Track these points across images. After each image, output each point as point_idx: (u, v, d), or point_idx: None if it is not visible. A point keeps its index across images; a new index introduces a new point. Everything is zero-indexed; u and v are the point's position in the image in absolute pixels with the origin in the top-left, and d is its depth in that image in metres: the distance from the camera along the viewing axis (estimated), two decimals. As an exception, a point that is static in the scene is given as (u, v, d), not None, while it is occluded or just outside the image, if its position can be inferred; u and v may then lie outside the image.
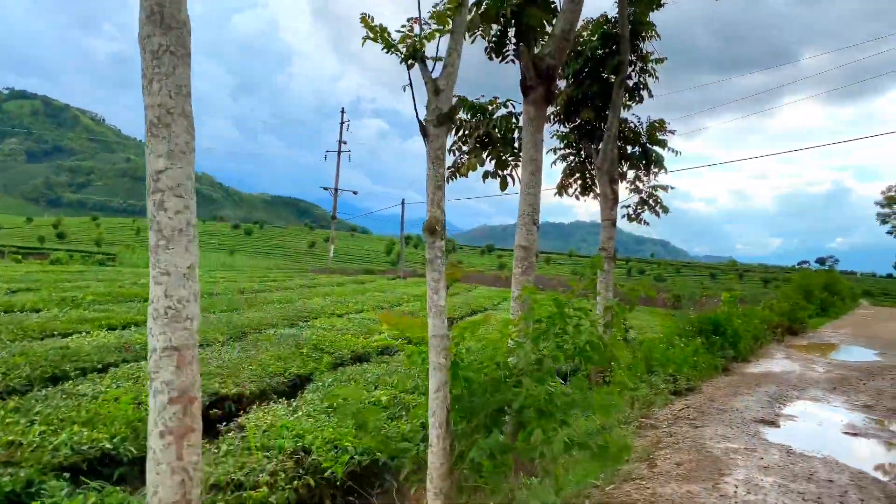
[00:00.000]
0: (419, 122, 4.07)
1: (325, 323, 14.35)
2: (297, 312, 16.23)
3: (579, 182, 11.26)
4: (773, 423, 7.67)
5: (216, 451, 5.61)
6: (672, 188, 10.72)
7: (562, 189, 11.31)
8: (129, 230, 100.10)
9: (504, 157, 6.94)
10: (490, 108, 6.85)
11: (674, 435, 6.81)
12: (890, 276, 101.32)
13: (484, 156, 6.88)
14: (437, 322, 4.17)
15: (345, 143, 57.35)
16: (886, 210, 56.01)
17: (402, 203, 47.15)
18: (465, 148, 7.07)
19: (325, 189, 58.14)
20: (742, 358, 12.05)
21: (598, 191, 10.67)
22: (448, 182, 7.30)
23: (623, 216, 11.04)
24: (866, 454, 6.94)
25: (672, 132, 10.45)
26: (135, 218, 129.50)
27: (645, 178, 10.87)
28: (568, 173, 11.32)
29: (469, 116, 6.92)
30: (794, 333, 17.91)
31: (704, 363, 10.22)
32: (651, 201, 10.78)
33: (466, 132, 6.87)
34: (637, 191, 10.88)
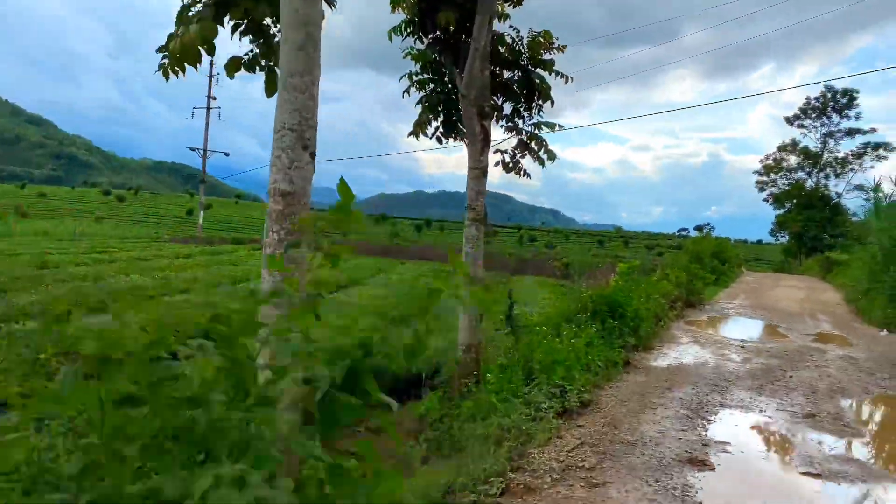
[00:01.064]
0: None
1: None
2: (97, 294, 12.49)
3: (442, 119, 8.32)
4: (703, 463, 5.14)
5: None
6: (560, 127, 7.98)
7: (419, 128, 8.32)
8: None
9: (268, 32, 3.82)
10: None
11: (561, 515, 4.07)
12: (759, 242, 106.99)
13: (228, 23, 3.72)
14: None
15: (214, 98, 51.77)
16: (764, 178, 57.33)
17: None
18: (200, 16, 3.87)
19: (193, 150, 52.49)
20: (644, 345, 9.69)
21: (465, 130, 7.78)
22: (167, 79, 4.10)
23: (497, 164, 8.23)
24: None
25: (561, 49, 7.67)
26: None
27: (526, 114, 8.07)
28: (427, 107, 8.34)
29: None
30: (692, 306, 16.07)
31: (601, 360, 7.68)
32: (533, 144, 8.00)
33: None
34: (516, 130, 8.07)
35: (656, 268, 20.75)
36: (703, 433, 5.96)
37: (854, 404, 7.71)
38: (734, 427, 6.37)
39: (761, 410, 6.98)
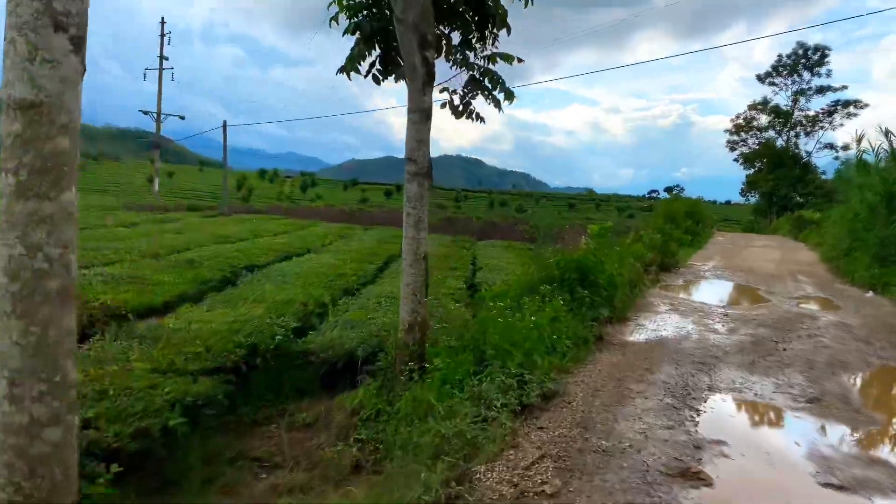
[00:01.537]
0: None
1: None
2: None
3: (379, 52, 6.91)
4: (698, 477, 3.99)
5: None
6: (520, 61, 6.62)
7: (353, 63, 6.87)
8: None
9: None
10: None
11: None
12: (728, 202, 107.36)
13: None
14: None
15: (166, 59, 49.04)
16: (735, 137, 56.60)
17: (224, 125, 40.42)
18: None
19: (146, 113, 49.85)
20: (619, 316, 8.55)
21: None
22: None
23: (443, 106, 6.87)
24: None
25: (519, -37, 6.27)
26: None
27: (478, 45, 6.70)
28: (362, 39, 6.91)
29: None
30: (667, 269, 15.04)
31: (569, 338, 6.49)
32: (486, 80, 6.65)
33: None
34: (466, 65, 6.69)
35: (629, 230, 19.69)
36: (694, 429, 4.82)
37: (858, 382, 6.68)
38: (729, 419, 5.26)
39: (757, 394, 5.88)
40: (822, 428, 5.07)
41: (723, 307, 10.30)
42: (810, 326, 9.03)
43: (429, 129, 6.31)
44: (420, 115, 6.22)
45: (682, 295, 11.59)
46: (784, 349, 7.63)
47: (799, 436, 4.89)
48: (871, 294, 12.75)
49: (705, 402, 5.55)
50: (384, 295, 10.29)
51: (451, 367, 5.56)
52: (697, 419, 5.07)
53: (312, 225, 29.70)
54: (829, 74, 51.15)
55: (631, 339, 7.73)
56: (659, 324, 8.63)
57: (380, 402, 5.83)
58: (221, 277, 12.21)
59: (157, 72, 49.07)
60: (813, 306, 11.01)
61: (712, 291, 12.55)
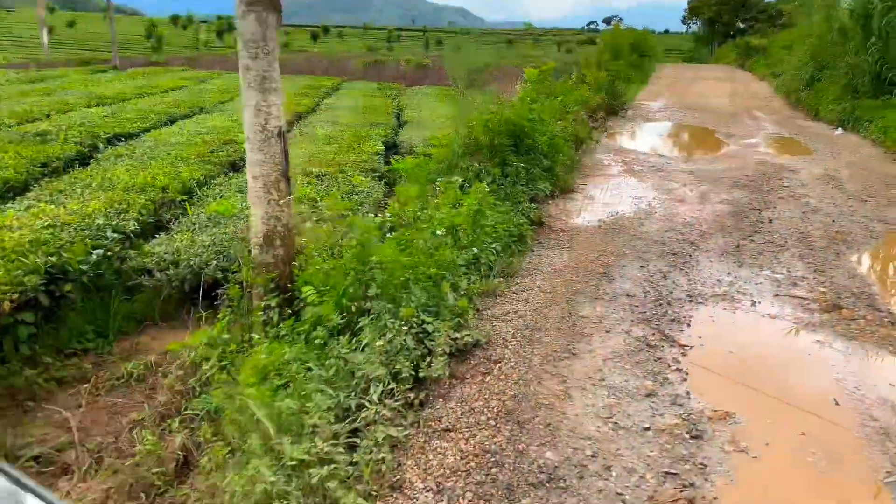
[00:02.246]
0: None
1: None
2: None
3: None
4: (708, 515, 2.34)
5: None
6: None
7: None
8: None
9: None
10: None
11: None
12: (666, 31, 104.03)
13: None
14: None
15: None
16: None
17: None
18: None
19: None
20: (563, 187, 6.70)
21: None
22: None
23: None
24: None
25: None
26: None
27: None
28: None
29: None
30: (614, 112, 13.13)
31: (498, 240, 4.63)
32: None
33: None
34: None
35: (569, 68, 17.39)
36: (683, 391, 3.17)
37: (873, 265, 5.17)
38: (728, 358, 3.61)
39: (754, 303, 4.27)
40: (859, 365, 3.50)
41: (685, 162, 8.58)
42: (792, 183, 7.46)
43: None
44: None
45: (634, 146, 9.78)
46: (770, 220, 6.02)
47: (831, 383, 3.31)
48: (840, 131, 11.27)
49: (688, 325, 3.90)
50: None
51: (328, 300, 3.68)
52: (683, 366, 3.42)
53: (215, 76, 25.95)
54: None
55: (579, 222, 5.93)
56: (613, 194, 6.85)
57: (226, 355, 3.96)
58: (74, 154, 9.62)
59: None
60: (783, 152, 9.43)
61: (667, 139, 10.85)
